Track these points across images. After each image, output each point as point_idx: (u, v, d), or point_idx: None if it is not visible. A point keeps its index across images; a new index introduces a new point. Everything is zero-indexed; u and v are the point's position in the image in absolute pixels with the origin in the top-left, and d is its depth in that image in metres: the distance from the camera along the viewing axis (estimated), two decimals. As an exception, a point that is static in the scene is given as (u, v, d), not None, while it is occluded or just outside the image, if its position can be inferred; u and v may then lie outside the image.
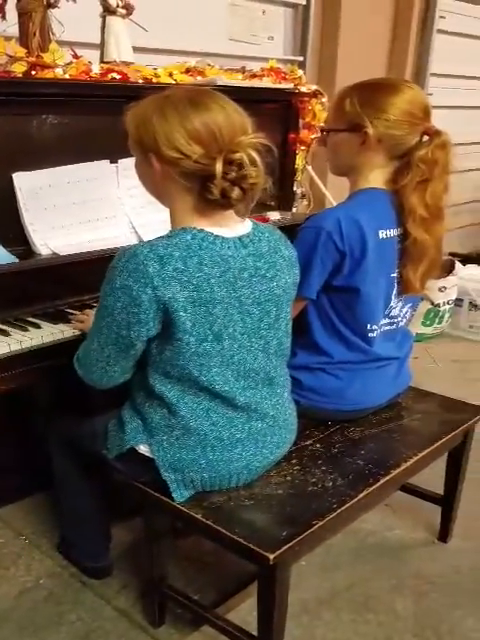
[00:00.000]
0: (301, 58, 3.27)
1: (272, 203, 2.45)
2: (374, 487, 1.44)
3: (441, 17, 3.99)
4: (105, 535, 1.79)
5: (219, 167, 1.19)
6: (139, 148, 1.28)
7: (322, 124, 1.66)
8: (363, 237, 1.50)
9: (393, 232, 1.56)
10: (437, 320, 3.59)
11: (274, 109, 2.43)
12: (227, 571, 1.81)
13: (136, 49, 2.50)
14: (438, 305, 3.47)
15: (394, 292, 1.62)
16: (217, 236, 1.26)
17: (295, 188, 2.56)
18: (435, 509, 1.99)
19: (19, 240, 1.79)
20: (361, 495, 1.41)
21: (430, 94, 3.88)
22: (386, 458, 1.55)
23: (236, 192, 1.22)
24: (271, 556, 1.22)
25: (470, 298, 3.68)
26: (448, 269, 3.52)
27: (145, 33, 2.14)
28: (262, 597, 1.33)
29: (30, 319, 1.68)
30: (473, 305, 3.69)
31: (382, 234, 1.54)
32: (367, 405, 1.71)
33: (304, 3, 3.17)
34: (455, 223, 4.29)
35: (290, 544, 1.25)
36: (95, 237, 1.87)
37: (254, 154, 1.22)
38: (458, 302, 3.66)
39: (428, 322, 3.57)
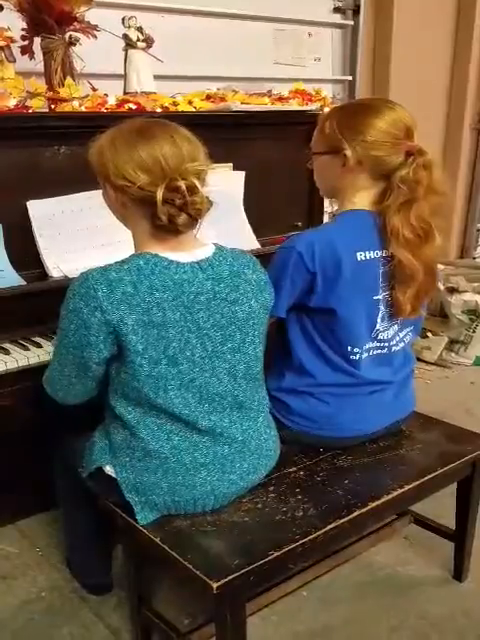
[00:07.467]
0: (350, 77, 3.24)
1: (299, 223, 2.44)
2: (345, 519, 1.38)
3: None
4: (105, 552, 1.81)
5: (159, 194, 1.21)
6: (98, 177, 1.33)
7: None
8: (337, 259, 1.46)
9: (375, 254, 1.51)
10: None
11: (302, 131, 2.43)
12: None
13: (177, 78, 2.59)
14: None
15: (380, 315, 1.56)
16: (172, 261, 1.28)
17: (326, 207, 2.53)
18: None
19: (35, 264, 1.89)
20: (329, 527, 1.36)
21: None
22: (369, 489, 1.48)
23: (182, 218, 1.24)
24: (215, 585, 1.20)
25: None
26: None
27: (162, 64, 2.20)
28: (216, 629, 1.30)
29: (36, 339, 1.77)
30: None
31: (360, 256, 1.49)
32: (361, 432, 1.64)
33: (352, 23, 3.14)
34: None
35: (237, 574, 1.22)
36: (107, 260, 1.92)
37: (195, 181, 1.23)
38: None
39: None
